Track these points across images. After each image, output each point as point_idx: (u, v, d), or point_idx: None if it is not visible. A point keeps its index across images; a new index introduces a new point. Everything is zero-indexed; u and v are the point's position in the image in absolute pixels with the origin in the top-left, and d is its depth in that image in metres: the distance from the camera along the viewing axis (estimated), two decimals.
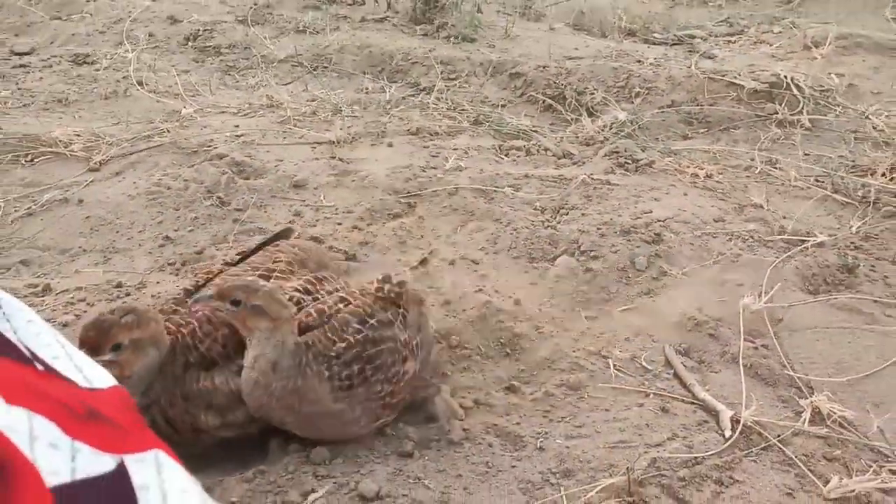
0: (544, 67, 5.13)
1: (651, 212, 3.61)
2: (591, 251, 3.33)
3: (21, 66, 5.42)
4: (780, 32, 6.10)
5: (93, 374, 1.10)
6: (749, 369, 2.81)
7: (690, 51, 5.69)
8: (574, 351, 2.84)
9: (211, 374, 2.31)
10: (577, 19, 6.47)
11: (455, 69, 5.29)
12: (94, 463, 0.95)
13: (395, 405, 2.39)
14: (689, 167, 4.04)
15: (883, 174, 4.00)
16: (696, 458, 2.37)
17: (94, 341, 2.09)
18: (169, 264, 3.28)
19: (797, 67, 5.11)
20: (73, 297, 3.03)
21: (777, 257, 3.34)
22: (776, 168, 4.12)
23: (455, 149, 4.21)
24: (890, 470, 2.37)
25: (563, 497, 2.23)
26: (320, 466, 2.29)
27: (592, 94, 4.85)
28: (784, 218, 3.64)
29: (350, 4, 6.60)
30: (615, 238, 3.40)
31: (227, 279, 2.45)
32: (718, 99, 4.79)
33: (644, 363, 2.81)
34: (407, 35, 5.88)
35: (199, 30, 5.94)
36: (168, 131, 4.35)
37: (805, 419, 2.56)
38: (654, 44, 5.94)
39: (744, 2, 7.02)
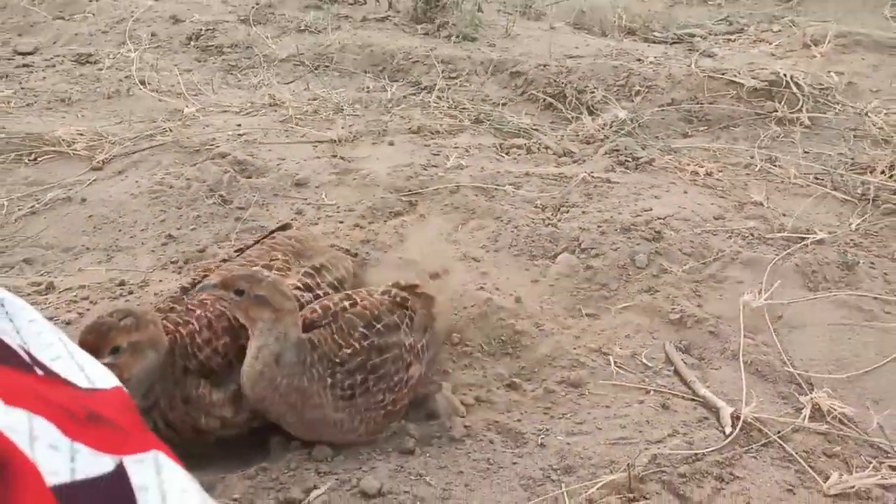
0: (545, 66, 5.14)
1: (651, 209, 3.62)
2: (592, 249, 3.35)
3: (24, 65, 5.43)
4: (780, 31, 6.10)
5: (95, 375, 1.11)
6: (749, 366, 2.82)
7: (690, 49, 5.70)
8: (575, 348, 2.85)
9: (209, 386, 2.31)
10: (578, 18, 6.48)
11: (456, 68, 5.30)
12: (93, 464, 0.96)
13: (397, 412, 2.40)
14: (689, 165, 4.05)
15: (882, 172, 4.00)
16: (696, 454, 2.38)
17: (92, 344, 2.09)
18: (171, 262, 3.30)
19: (796, 66, 5.11)
20: (76, 296, 3.05)
21: (777, 255, 3.35)
22: (776, 166, 4.13)
23: (456, 147, 4.22)
24: (890, 466, 2.38)
25: (564, 493, 2.24)
26: (322, 463, 2.29)
27: (593, 92, 4.86)
28: (784, 215, 3.65)
29: (351, 4, 6.61)
30: (615, 236, 3.41)
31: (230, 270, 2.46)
32: (718, 97, 4.79)
33: (644, 360, 2.82)
34: (408, 34, 5.89)
35: (201, 29, 5.95)
36: (170, 130, 4.36)
37: (805, 416, 2.56)
38: (654, 42, 5.94)
39: (743, 0, 7.03)
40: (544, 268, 3.30)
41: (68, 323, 2.85)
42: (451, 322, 2.81)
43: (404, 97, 4.94)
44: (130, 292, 3.06)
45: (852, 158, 4.23)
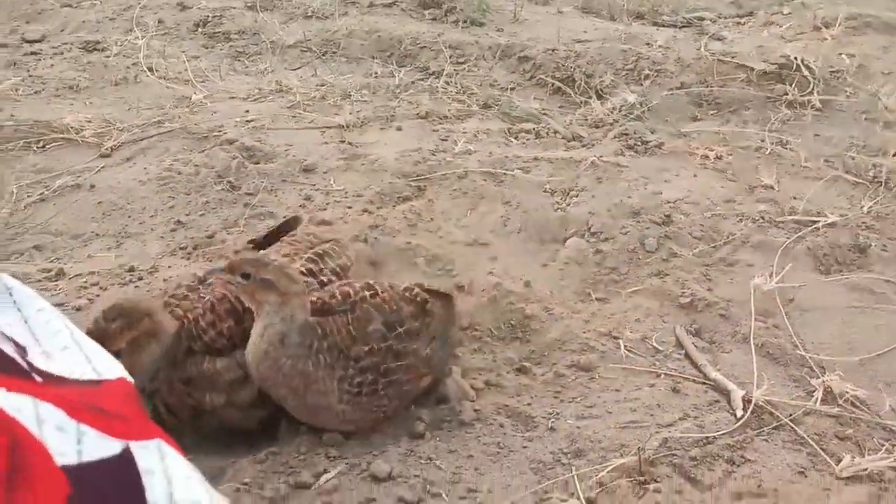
0: (553, 51, 5.11)
1: (661, 193, 3.60)
2: (601, 233, 3.34)
3: (32, 53, 5.42)
4: (790, 14, 6.05)
5: (102, 365, 1.11)
6: (760, 349, 2.81)
7: (700, 33, 5.66)
8: (584, 332, 2.84)
9: (214, 359, 2.32)
10: (586, 2, 6.43)
11: (464, 53, 5.28)
12: (100, 447, 0.96)
13: (398, 410, 2.40)
14: (698, 149, 4.03)
15: (894, 154, 3.99)
16: (707, 437, 2.38)
17: None
18: (180, 248, 3.30)
19: (807, 48, 5.08)
20: (85, 282, 3.05)
21: (788, 238, 3.34)
22: (787, 149, 4.10)
23: (464, 132, 4.21)
24: None
25: (575, 477, 2.24)
26: (332, 447, 2.29)
27: (601, 76, 4.83)
28: (795, 199, 3.63)
29: None
30: (625, 220, 3.40)
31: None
32: (728, 81, 4.76)
33: (655, 344, 2.82)
34: (415, 20, 5.86)
35: (208, 16, 5.93)
36: (178, 117, 4.35)
37: (817, 398, 2.56)
38: (663, 26, 5.90)
39: None
40: (554, 252, 3.29)
41: (78, 309, 2.85)
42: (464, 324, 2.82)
43: (412, 82, 4.93)
44: (140, 278, 3.07)
45: (864, 141, 4.21)
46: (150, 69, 5.07)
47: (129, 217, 3.54)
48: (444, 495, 2.17)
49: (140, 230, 3.46)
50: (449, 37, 5.44)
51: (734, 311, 2.98)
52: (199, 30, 5.82)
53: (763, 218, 3.48)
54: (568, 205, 3.53)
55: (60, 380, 1.07)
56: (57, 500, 0.90)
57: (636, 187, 3.67)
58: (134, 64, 5.14)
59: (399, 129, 4.27)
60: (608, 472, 2.24)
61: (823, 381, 2.61)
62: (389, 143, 4.07)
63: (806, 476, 2.30)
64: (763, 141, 4.14)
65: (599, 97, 4.69)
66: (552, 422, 2.45)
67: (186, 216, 3.51)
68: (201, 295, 2.43)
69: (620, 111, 4.48)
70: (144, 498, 0.97)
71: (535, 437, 2.39)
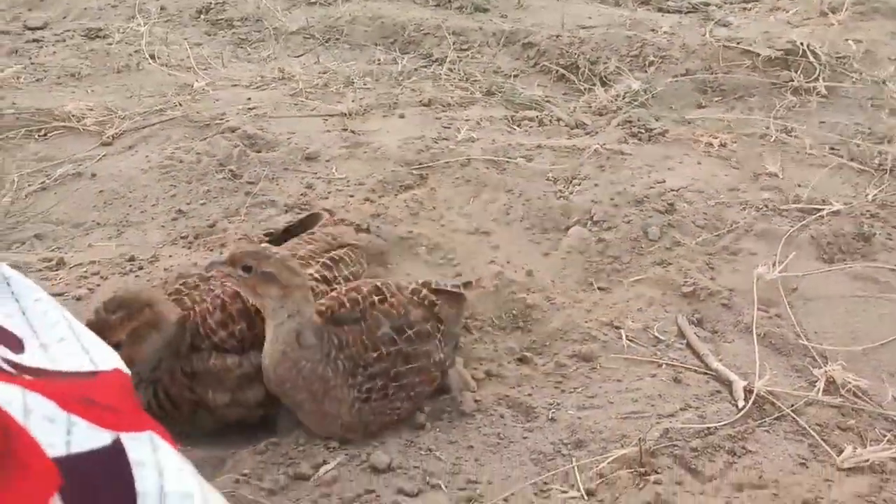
0: (557, 37, 5.09)
1: (664, 181, 3.58)
2: (604, 221, 3.32)
3: (34, 40, 5.41)
4: None
5: (98, 356, 1.11)
6: (763, 339, 2.80)
7: (705, 19, 5.62)
8: (586, 322, 2.83)
9: (223, 355, 2.31)
10: None
11: (467, 40, 5.25)
12: (90, 437, 0.96)
13: (410, 412, 2.39)
14: (703, 136, 4.01)
15: None
16: (708, 428, 2.38)
17: None
18: (182, 237, 3.29)
19: (813, 34, 5.04)
20: (86, 271, 3.05)
21: (792, 226, 3.32)
22: (791, 136, 4.08)
23: (467, 120, 4.19)
24: None
25: (575, 468, 2.24)
26: (332, 439, 2.29)
27: (605, 63, 4.81)
28: (799, 186, 3.61)
29: None
30: (628, 208, 3.39)
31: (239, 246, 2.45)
32: (733, 67, 4.74)
33: (657, 333, 2.81)
34: (419, 5, 5.83)
35: (210, 3, 5.91)
36: (180, 105, 4.34)
37: (819, 389, 2.55)
38: (668, 12, 5.86)
39: None
40: (556, 241, 3.28)
41: (79, 298, 2.86)
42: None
43: (415, 70, 4.91)
44: (140, 268, 3.06)
45: (869, 128, 4.18)
46: (153, 56, 5.06)
47: (130, 206, 3.54)
48: (443, 486, 2.17)
49: (141, 219, 3.46)
50: (452, 23, 5.42)
51: (737, 300, 2.97)
52: (202, 17, 5.81)
53: (767, 206, 3.46)
54: (571, 193, 3.52)
55: (53, 375, 1.07)
56: (49, 489, 0.90)
57: (639, 175, 3.65)
58: (136, 51, 5.13)
59: (402, 116, 4.25)
60: (609, 463, 2.24)
61: (826, 372, 2.60)
62: (392, 131, 4.06)
63: (807, 467, 2.29)
64: (768, 128, 4.12)
65: (603, 84, 4.67)
66: (553, 412, 2.45)
67: (187, 205, 3.51)
68: (210, 287, 2.42)
69: (624, 98, 4.46)
70: (134, 489, 0.97)
71: (536, 427, 2.39)
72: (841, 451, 2.32)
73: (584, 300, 2.97)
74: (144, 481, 0.97)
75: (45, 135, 4.10)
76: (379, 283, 2.40)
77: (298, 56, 5.22)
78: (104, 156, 3.91)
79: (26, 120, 4.17)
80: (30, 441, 0.91)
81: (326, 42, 5.39)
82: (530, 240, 3.29)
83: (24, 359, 1.06)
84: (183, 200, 3.54)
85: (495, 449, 2.31)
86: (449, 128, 4.11)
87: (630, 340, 2.77)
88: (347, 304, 2.30)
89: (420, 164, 3.71)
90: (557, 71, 4.87)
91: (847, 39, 5.09)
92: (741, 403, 2.47)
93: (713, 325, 2.88)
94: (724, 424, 2.40)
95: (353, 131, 4.07)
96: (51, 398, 0.96)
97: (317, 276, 2.48)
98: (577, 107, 4.45)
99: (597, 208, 3.38)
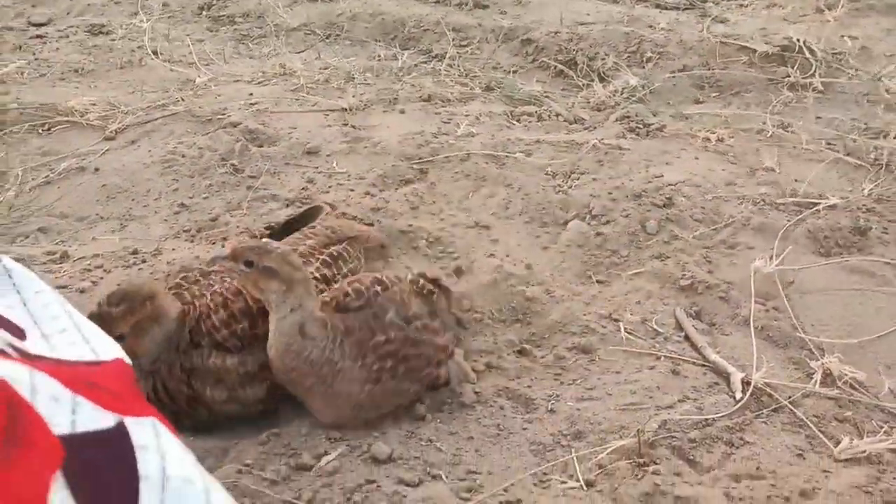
0: (556, 33, 5.11)
1: (662, 176, 3.60)
2: (603, 215, 3.34)
3: (38, 36, 5.43)
4: None
5: (100, 347, 1.12)
6: (760, 332, 2.82)
7: (702, 15, 5.64)
8: (585, 314, 2.85)
9: (223, 354, 2.33)
10: None
11: (467, 36, 5.28)
12: (94, 419, 0.97)
13: (418, 395, 2.42)
14: (700, 131, 4.03)
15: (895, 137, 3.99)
16: (706, 419, 2.39)
17: None
18: (184, 231, 3.31)
19: (809, 30, 5.06)
20: (89, 264, 3.07)
21: (789, 220, 3.34)
22: (788, 131, 4.10)
23: (467, 115, 4.21)
24: None
25: (574, 459, 2.26)
26: (333, 429, 2.32)
27: (604, 59, 4.83)
28: (796, 181, 3.63)
29: None
30: (626, 202, 3.41)
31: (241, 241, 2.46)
32: (730, 63, 4.76)
33: (655, 326, 2.83)
34: (419, 2, 5.85)
35: None
36: (182, 100, 4.36)
37: (816, 381, 2.56)
38: (666, 8, 5.88)
39: None
40: (555, 235, 3.30)
41: (82, 291, 2.88)
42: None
43: (415, 65, 4.93)
44: (143, 261, 3.08)
45: (865, 123, 4.20)
46: (155, 52, 5.08)
47: (133, 200, 3.56)
48: (444, 477, 2.19)
49: (144, 213, 3.48)
50: (452, 19, 5.44)
51: (734, 293, 2.99)
52: (204, 13, 5.84)
53: (764, 200, 3.48)
54: (569, 187, 3.54)
55: (57, 362, 1.09)
56: (53, 464, 0.91)
57: (637, 170, 3.67)
58: (139, 47, 5.16)
59: (402, 111, 4.27)
60: (607, 454, 2.25)
61: (823, 364, 2.61)
62: (392, 126, 4.08)
63: (804, 458, 2.31)
64: (765, 123, 4.14)
65: (602, 80, 4.69)
66: (552, 404, 2.46)
67: (190, 199, 3.53)
68: (210, 282, 2.44)
69: (622, 94, 4.48)
70: (137, 471, 0.98)
71: (535, 419, 2.41)
72: (838, 443, 2.33)
73: (583, 293, 2.99)
74: (147, 464, 0.99)
75: (48, 130, 4.12)
76: (379, 275, 2.43)
77: (299, 52, 5.24)
78: (107, 150, 3.93)
79: (30, 115, 4.20)
80: (36, 418, 0.92)
81: (327, 38, 5.41)
82: (529, 233, 3.31)
83: (28, 346, 1.08)
84: (185, 194, 3.56)
85: (495, 440, 2.32)
86: (448, 123, 4.13)
87: (629, 333, 2.78)
88: (352, 294, 2.33)
89: (420, 158, 3.73)
90: (556, 67, 4.90)
91: (843, 36, 5.11)
92: (739, 395, 2.48)
93: (711, 317, 2.90)
94: (722, 416, 2.41)
95: (353, 126, 4.09)
96: (56, 377, 0.98)
97: (317, 275, 2.49)
98: (575, 102, 4.47)
99: (595, 202, 3.40)
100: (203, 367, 2.32)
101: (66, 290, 2.83)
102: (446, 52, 5.01)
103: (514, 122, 4.21)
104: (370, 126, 4.10)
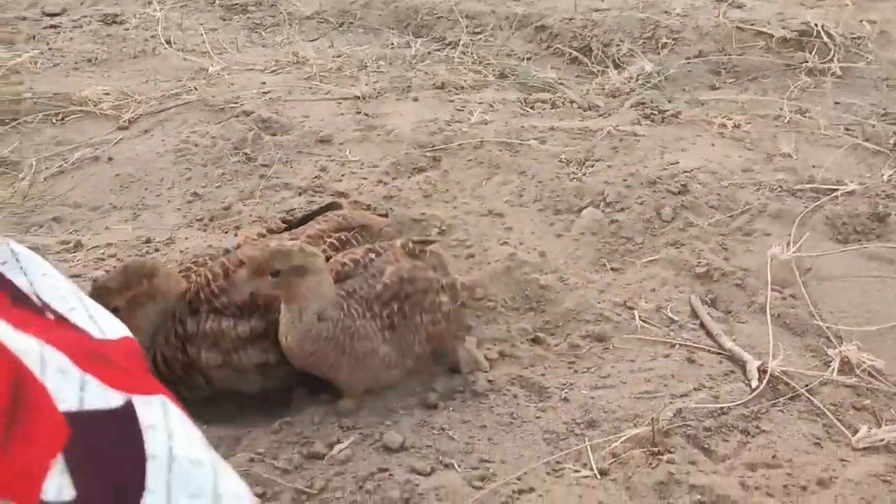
0: (570, 20, 5.07)
1: (677, 163, 3.57)
2: (617, 203, 3.32)
3: (52, 26, 5.44)
4: None
5: (106, 326, 1.12)
6: (777, 319, 2.80)
7: (718, 0, 5.60)
8: (599, 302, 2.84)
9: (219, 317, 2.33)
10: None
11: (481, 23, 5.25)
12: (102, 397, 0.97)
13: (438, 336, 2.44)
14: (716, 118, 3.99)
15: None
16: (721, 408, 2.38)
17: None
18: (197, 220, 3.32)
19: (827, 15, 5.00)
20: (103, 254, 3.08)
21: (806, 207, 3.31)
22: (806, 117, 4.06)
23: (480, 102, 4.19)
24: None
25: (588, 447, 2.25)
26: (346, 418, 2.31)
27: (618, 45, 4.79)
28: (813, 167, 3.59)
29: None
30: (641, 189, 3.38)
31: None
32: (747, 48, 4.72)
33: (670, 314, 2.81)
34: None
35: None
36: (195, 89, 4.36)
37: (834, 369, 2.54)
38: None
39: None
40: (569, 222, 3.28)
41: (95, 280, 2.88)
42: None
43: (429, 53, 4.91)
44: (156, 250, 3.09)
45: (884, 108, 4.15)
46: (168, 42, 5.08)
47: (147, 189, 3.57)
48: (456, 465, 2.18)
49: (157, 202, 3.48)
50: (465, 7, 5.41)
51: (750, 280, 2.96)
52: (217, 2, 5.83)
53: (781, 187, 3.44)
54: (584, 175, 3.51)
55: (71, 323, 1.08)
56: (56, 444, 0.91)
57: (652, 157, 3.64)
58: (152, 36, 5.16)
59: (415, 99, 4.25)
60: (621, 442, 2.24)
61: (840, 352, 2.59)
62: (405, 114, 4.06)
63: (821, 447, 2.29)
64: (782, 109, 4.10)
65: (616, 66, 4.65)
66: (566, 392, 2.45)
67: (203, 188, 3.53)
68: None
69: (637, 80, 4.45)
70: (144, 451, 0.97)
71: (549, 407, 2.40)
72: (856, 431, 2.31)
73: (598, 281, 2.97)
74: (154, 443, 0.98)
75: (62, 119, 4.13)
76: (370, 245, 2.48)
77: (312, 40, 5.23)
78: (121, 140, 3.93)
79: (44, 105, 4.21)
80: (43, 392, 0.92)
81: (340, 26, 5.40)
82: (543, 221, 3.29)
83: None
84: (198, 183, 3.56)
85: (508, 428, 2.32)
86: (462, 110, 4.11)
87: (643, 321, 2.77)
88: (349, 263, 2.36)
89: (433, 146, 3.72)
90: (570, 54, 4.86)
91: (861, 20, 5.05)
92: (755, 383, 2.47)
93: (727, 305, 2.88)
94: (738, 404, 2.39)
95: (366, 114, 4.08)
96: (65, 352, 0.97)
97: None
98: (590, 89, 4.44)
99: (610, 190, 3.38)
100: (199, 333, 2.33)
101: (79, 280, 2.84)
102: (460, 40, 4.99)
103: (528, 110, 4.19)
104: (383, 114, 4.09)
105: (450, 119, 3.98)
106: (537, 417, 2.36)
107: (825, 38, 4.68)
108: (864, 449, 2.28)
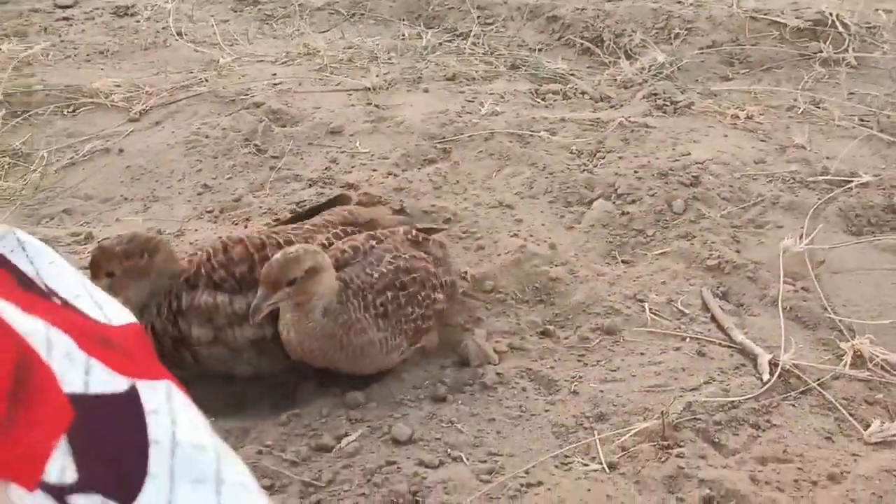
0: (582, 10, 5.04)
1: (689, 154, 3.55)
2: (628, 194, 3.30)
3: (64, 18, 5.44)
4: None
5: (112, 313, 1.11)
6: (788, 312, 2.78)
7: None
8: (610, 295, 2.82)
9: (214, 292, 2.33)
10: None
11: (492, 14, 5.22)
12: (106, 382, 0.96)
13: (428, 329, 2.45)
14: (729, 108, 3.96)
15: None
16: (732, 402, 2.37)
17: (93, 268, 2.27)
18: (207, 212, 3.32)
19: (842, 4, 4.95)
20: None
21: (819, 198, 3.28)
22: (820, 108, 4.02)
23: (491, 94, 4.17)
24: None
25: (597, 441, 2.24)
26: (354, 410, 2.32)
27: (631, 36, 4.76)
28: (827, 158, 3.56)
29: None
30: (652, 181, 3.36)
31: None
32: (760, 38, 4.68)
33: (681, 307, 2.79)
34: None
35: None
36: (206, 81, 4.36)
37: (846, 362, 2.53)
38: None
39: None
40: (579, 214, 3.26)
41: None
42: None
43: (439, 44, 4.89)
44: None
45: None
46: (179, 33, 5.07)
47: (157, 181, 3.57)
48: (465, 458, 2.18)
49: (168, 194, 3.49)
50: None
51: (762, 273, 2.94)
52: None
53: (794, 178, 3.42)
54: (595, 166, 3.50)
55: (77, 308, 1.08)
56: (60, 425, 0.90)
57: (664, 148, 3.62)
58: (163, 28, 5.15)
59: (426, 90, 4.24)
60: (631, 436, 2.24)
61: (853, 345, 2.57)
62: (416, 105, 4.05)
63: (833, 441, 2.28)
64: (796, 100, 4.06)
65: (628, 57, 4.62)
66: (575, 385, 2.44)
67: (213, 179, 3.53)
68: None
69: (649, 71, 4.41)
70: (147, 436, 0.97)
71: (558, 400, 2.39)
72: (868, 426, 2.30)
73: (608, 273, 2.95)
74: (158, 428, 0.97)
75: (73, 111, 4.13)
76: (371, 232, 2.48)
77: (323, 32, 5.22)
78: (132, 132, 3.94)
79: (55, 97, 4.21)
80: (48, 374, 0.91)
81: (351, 17, 5.38)
82: (554, 213, 3.28)
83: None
84: (209, 175, 3.57)
85: (517, 421, 2.31)
86: (473, 102, 4.09)
87: (654, 314, 2.75)
88: (349, 251, 2.36)
89: (444, 137, 3.70)
90: (582, 44, 4.84)
91: (877, 9, 5.00)
92: (766, 377, 2.45)
93: (738, 298, 2.86)
94: (749, 398, 2.38)
95: (377, 106, 4.07)
96: (70, 335, 0.97)
97: (324, 241, 2.47)
98: (601, 80, 4.41)
99: (621, 181, 3.36)
100: (193, 307, 2.35)
101: (89, 271, 2.84)
102: (471, 31, 4.97)
103: (539, 101, 4.16)
104: (394, 105, 4.08)
105: (460, 110, 3.96)
106: (546, 410, 2.35)
107: (840, 28, 4.63)
108: (876, 443, 2.27)
